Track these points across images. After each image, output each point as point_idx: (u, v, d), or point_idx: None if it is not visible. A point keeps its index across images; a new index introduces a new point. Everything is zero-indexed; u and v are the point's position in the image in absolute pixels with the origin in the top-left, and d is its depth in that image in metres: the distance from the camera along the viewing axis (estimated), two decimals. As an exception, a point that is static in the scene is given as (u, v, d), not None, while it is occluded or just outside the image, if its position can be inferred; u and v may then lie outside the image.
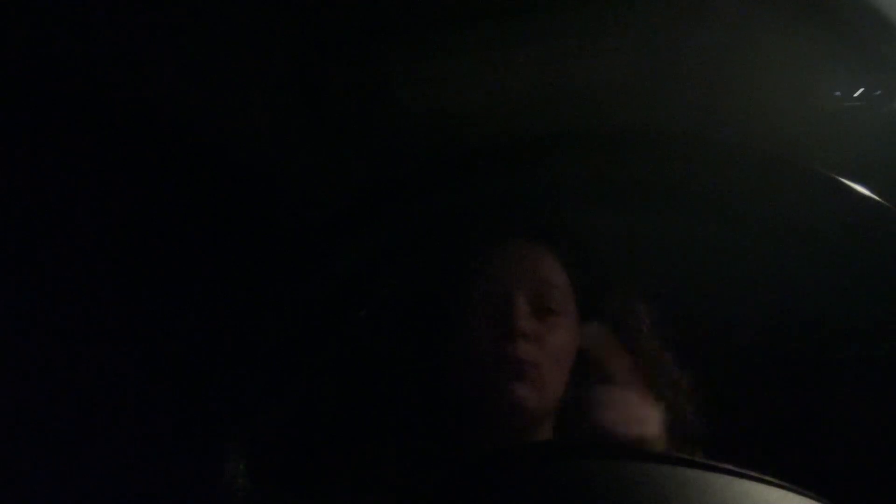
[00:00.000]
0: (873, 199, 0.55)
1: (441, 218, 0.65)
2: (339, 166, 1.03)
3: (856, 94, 0.89)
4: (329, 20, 0.87)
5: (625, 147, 0.63)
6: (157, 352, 0.89)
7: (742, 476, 0.48)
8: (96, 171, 0.90)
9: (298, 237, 0.90)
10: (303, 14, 0.86)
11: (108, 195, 0.91)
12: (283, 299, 0.67)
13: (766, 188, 0.59)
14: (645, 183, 0.62)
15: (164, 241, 0.95)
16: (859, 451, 0.96)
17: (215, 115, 0.96)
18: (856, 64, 0.86)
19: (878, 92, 0.88)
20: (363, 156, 1.03)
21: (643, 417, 0.84)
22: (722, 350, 1.03)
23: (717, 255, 0.90)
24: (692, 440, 0.84)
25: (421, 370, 0.87)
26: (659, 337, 0.91)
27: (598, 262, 0.92)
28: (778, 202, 0.59)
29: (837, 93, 0.90)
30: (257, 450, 0.75)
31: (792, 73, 0.90)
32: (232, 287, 0.91)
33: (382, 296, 0.79)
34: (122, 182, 0.92)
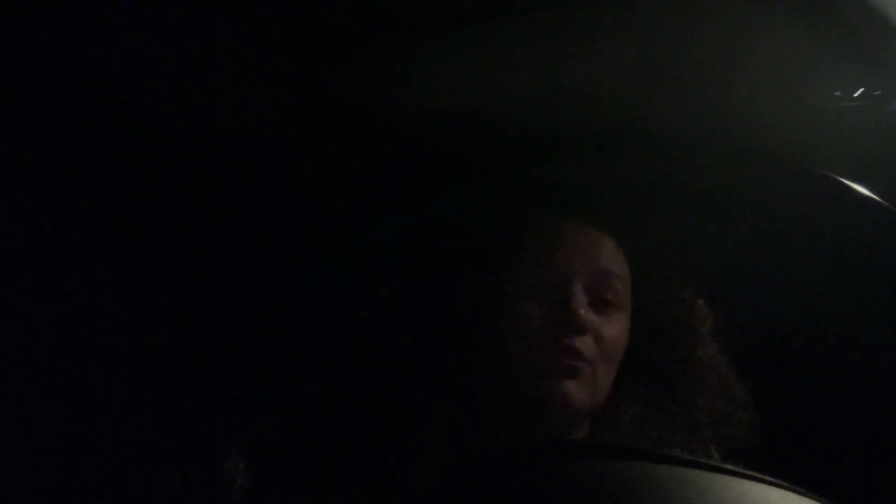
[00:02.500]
0: (873, 199, 0.56)
1: (457, 213, 0.64)
2: (339, 166, 1.03)
3: (856, 94, 0.89)
4: (329, 20, 0.87)
5: (624, 147, 0.63)
6: (156, 352, 0.89)
7: (742, 476, 0.48)
8: (96, 171, 0.90)
9: (298, 237, 0.90)
10: (303, 14, 0.86)
11: (107, 195, 0.91)
12: (283, 299, 0.67)
13: (766, 188, 0.59)
14: (644, 183, 0.62)
15: (163, 241, 0.95)
16: (859, 451, 0.96)
17: (215, 115, 0.96)
18: (856, 64, 0.86)
19: (878, 92, 0.88)
20: (363, 156, 1.03)
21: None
22: (719, 349, 1.03)
23: (717, 254, 0.90)
24: (742, 451, 0.79)
25: (439, 366, 0.80)
26: (717, 341, 0.85)
27: (657, 255, 0.85)
28: (778, 202, 0.59)
29: (837, 93, 0.90)
30: (257, 450, 0.75)
31: (792, 73, 0.90)
32: (232, 287, 0.91)
33: (382, 296, 0.78)
34: (122, 182, 0.92)
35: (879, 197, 0.54)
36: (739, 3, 0.85)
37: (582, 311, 0.76)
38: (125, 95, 0.90)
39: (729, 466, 0.48)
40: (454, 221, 0.73)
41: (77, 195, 0.89)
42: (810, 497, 0.48)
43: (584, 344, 0.76)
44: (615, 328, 0.79)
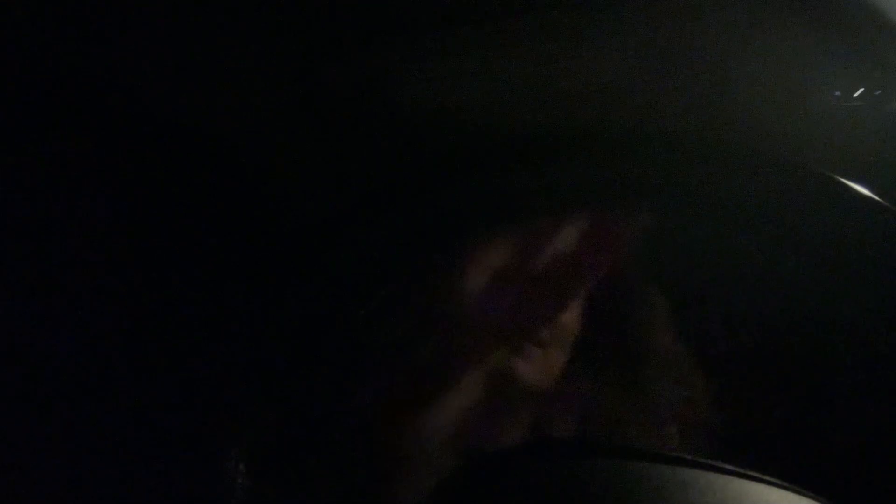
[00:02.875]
0: (873, 199, 0.56)
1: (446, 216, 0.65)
2: (338, 166, 1.03)
3: (856, 94, 0.88)
4: (329, 20, 0.87)
5: (623, 148, 0.63)
6: (156, 351, 0.89)
7: (742, 476, 0.48)
8: (93, 171, 0.90)
9: (298, 237, 0.90)
10: (303, 14, 0.86)
11: (106, 195, 0.91)
12: (283, 298, 0.67)
13: (766, 188, 0.59)
14: (641, 184, 0.62)
15: (162, 240, 0.95)
16: (859, 451, 0.96)
17: (214, 115, 0.96)
18: (856, 64, 0.86)
19: (878, 92, 0.88)
20: (363, 156, 1.03)
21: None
22: (721, 350, 1.03)
23: (716, 255, 0.90)
24: (708, 438, 0.81)
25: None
26: (674, 331, 0.87)
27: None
28: (777, 202, 0.59)
29: (837, 93, 0.90)
30: (257, 450, 0.75)
31: (792, 73, 0.90)
32: (231, 287, 0.91)
33: (383, 295, 0.79)
34: (121, 182, 0.92)
35: (879, 197, 0.54)
36: (739, 2, 0.85)
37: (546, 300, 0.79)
38: (124, 95, 0.90)
39: (729, 466, 0.48)
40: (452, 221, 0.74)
41: (75, 195, 0.89)
42: (810, 497, 0.49)
43: (550, 331, 0.79)
44: (572, 316, 0.81)
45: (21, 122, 0.84)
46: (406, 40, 0.90)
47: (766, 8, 0.85)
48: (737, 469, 0.47)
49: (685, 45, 0.90)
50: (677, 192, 0.60)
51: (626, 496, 0.46)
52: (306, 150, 1.04)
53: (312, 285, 0.66)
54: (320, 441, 0.83)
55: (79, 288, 0.87)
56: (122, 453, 0.82)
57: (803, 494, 0.47)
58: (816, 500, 0.48)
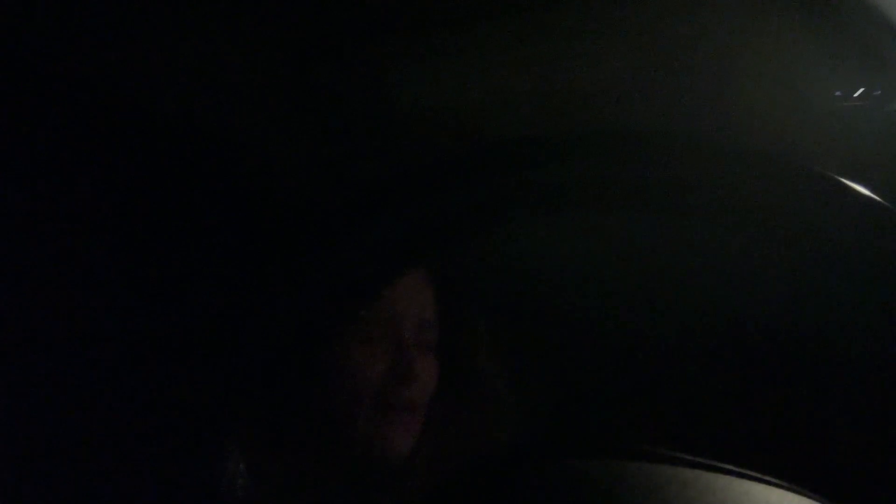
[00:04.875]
0: (873, 199, 0.55)
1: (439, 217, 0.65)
2: (338, 166, 1.03)
3: (856, 94, 0.88)
4: (329, 20, 0.87)
5: (623, 148, 0.63)
6: (156, 351, 0.89)
7: (742, 476, 0.48)
8: (94, 171, 0.90)
9: (297, 237, 0.90)
10: (303, 14, 0.86)
11: (106, 195, 0.91)
12: (283, 298, 0.67)
13: (766, 188, 0.59)
14: (643, 184, 0.62)
15: (162, 240, 0.95)
16: (859, 450, 0.96)
17: (215, 115, 0.96)
18: (856, 64, 0.86)
19: (878, 92, 0.88)
20: (363, 156, 1.03)
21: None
22: (721, 350, 1.03)
23: (716, 255, 0.90)
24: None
25: None
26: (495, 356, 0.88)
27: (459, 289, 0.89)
28: (777, 202, 0.59)
29: (837, 93, 0.89)
30: (257, 450, 0.75)
31: (792, 73, 0.90)
32: (232, 286, 0.91)
33: (383, 296, 0.78)
34: (122, 181, 0.92)
35: (879, 197, 0.54)
36: (739, 2, 0.85)
37: (415, 363, 0.79)
38: (124, 95, 0.90)
39: (730, 467, 0.48)
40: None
41: (76, 195, 0.89)
42: (810, 497, 0.48)
43: (416, 391, 0.80)
44: (434, 368, 0.82)
45: (22, 122, 0.84)
46: (406, 40, 0.90)
47: (766, 9, 0.85)
48: (737, 469, 0.47)
49: (685, 45, 0.90)
50: (677, 192, 0.59)
51: (627, 496, 0.46)
52: (305, 150, 1.04)
53: (312, 285, 0.65)
54: (319, 440, 0.83)
55: (79, 288, 0.87)
56: (123, 453, 0.82)
57: (803, 494, 0.47)
58: (816, 500, 0.48)
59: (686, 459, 0.48)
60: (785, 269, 0.82)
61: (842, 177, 0.55)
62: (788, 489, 0.48)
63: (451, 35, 0.90)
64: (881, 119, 0.89)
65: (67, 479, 0.81)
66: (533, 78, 0.95)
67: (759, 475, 0.48)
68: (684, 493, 0.46)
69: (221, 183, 0.98)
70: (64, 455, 0.81)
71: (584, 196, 0.64)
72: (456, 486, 0.52)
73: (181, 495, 0.59)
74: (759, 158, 0.59)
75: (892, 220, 0.54)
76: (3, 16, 0.79)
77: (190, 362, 0.85)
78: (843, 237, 0.56)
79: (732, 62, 0.91)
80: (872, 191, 0.55)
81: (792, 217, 0.57)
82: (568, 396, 1.00)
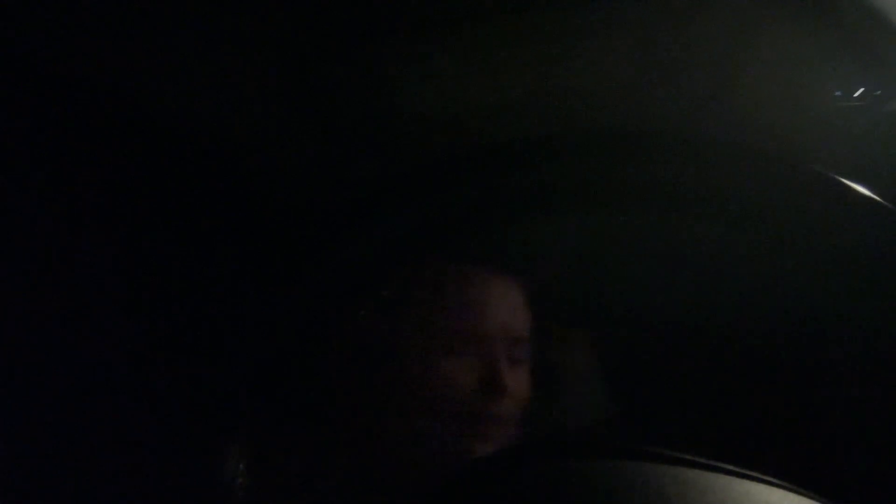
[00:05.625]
0: (873, 199, 0.55)
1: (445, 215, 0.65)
2: (338, 166, 1.03)
3: (856, 94, 0.88)
4: (329, 20, 0.87)
5: (622, 148, 0.63)
6: (156, 351, 0.89)
7: (742, 476, 0.48)
8: (94, 171, 0.90)
9: (297, 236, 0.90)
10: (302, 14, 0.86)
11: (106, 196, 0.91)
12: (283, 298, 0.67)
13: (766, 188, 0.59)
14: (643, 184, 0.62)
15: (162, 240, 0.95)
16: (859, 451, 0.96)
17: (214, 115, 0.96)
18: (856, 64, 0.86)
19: (878, 92, 0.88)
20: (363, 156, 1.03)
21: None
22: (722, 350, 1.03)
23: (717, 255, 0.90)
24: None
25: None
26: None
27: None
28: (777, 202, 0.59)
29: (837, 93, 0.90)
30: (257, 450, 0.75)
31: (792, 73, 0.90)
32: (231, 286, 0.91)
33: (384, 296, 0.79)
34: (122, 182, 0.92)
35: (879, 197, 0.54)
36: (739, 2, 0.85)
37: (506, 376, 0.78)
38: (123, 95, 0.90)
39: (730, 467, 0.48)
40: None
41: (76, 195, 0.89)
42: (811, 497, 0.48)
43: (505, 407, 0.78)
44: (526, 383, 0.82)
45: (20, 124, 0.84)
46: (406, 40, 0.90)
47: (766, 9, 0.85)
48: (737, 469, 0.47)
49: (686, 45, 0.90)
50: (677, 193, 0.59)
51: (627, 496, 0.46)
52: (305, 150, 1.04)
53: (312, 285, 0.66)
54: (320, 440, 0.83)
55: (79, 288, 0.87)
56: (123, 453, 0.82)
57: (803, 494, 0.47)
58: (816, 500, 0.48)
59: (686, 459, 0.48)
60: (785, 269, 0.82)
61: (842, 177, 0.55)
62: (788, 489, 0.48)
63: (450, 35, 0.90)
64: (881, 119, 0.89)
65: (67, 479, 0.81)
66: (533, 78, 0.95)
67: (759, 475, 0.48)
68: (684, 493, 0.46)
69: (221, 183, 0.98)
70: (64, 455, 0.81)
71: (584, 196, 0.64)
72: (456, 486, 0.52)
73: (181, 495, 0.59)
74: (759, 158, 0.59)
75: (892, 220, 0.54)
76: (3, 16, 0.79)
77: (190, 362, 0.85)
78: (843, 237, 0.56)
79: (732, 62, 0.91)
80: (872, 191, 0.55)
81: (792, 217, 0.57)
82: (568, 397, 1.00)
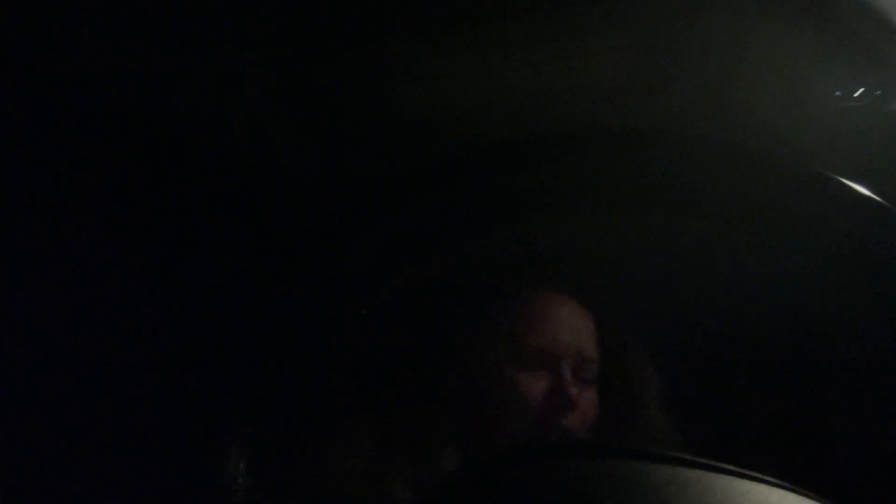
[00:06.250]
0: (873, 199, 0.55)
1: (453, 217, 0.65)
2: (338, 166, 1.03)
3: (856, 94, 0.88)
4: (329, 20, 0.87)
5: (622, 148, 0.63)
6: (156, 351, 0.89)
7: (742, 476, 0.48)
8: (94, 171, 0.90)
9: (297, 236, 0.90)
10: (302, 14, 0.86)
11: (107, 196, 0.91)
12: (283, 298, 0.67)
13: (766, 188, 0.59)
14: (643, 184, 0.62)
15: (163, 240, 0.95)
16: (859, 451, 0.96)
17: (214, 116, 0.96)
18: (856, 64, 0.86)
19: (878, 92, 0.88)
20: (363, 156, 1.03)
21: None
22: (722, 350, 1.03)
23: (717, 255, 0.90)
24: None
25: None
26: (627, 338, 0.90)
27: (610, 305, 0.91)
28: (778, 202, 0.59)
29: (837, 93, 0.90)
30: (257, 450, 0.74)
31: (792, 73, 0.90)
32: (232, 286, 0.91)
33: (385, 296, 0.78)
34: (122, 183, 0.92)
35: (879, 197, 0.54)
36: (739, 2, 0.85)
37: (573, 390, 0.81)
38: (124, 96, 0.90)
39: (730, 467, 0.48)
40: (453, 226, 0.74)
41: (76, 196, 0.89)
42: (811, 497, 0.48)
43: (573, 421, 0.81)
44: (594, 401, 0.84)
45: (21, 125, 0.84)
46: (406, 41, 0.90)
47: (766, 9, 0.85)
48: (737, 469, 0.47)
49: (685, 45, 0.90)
50: (677, 192, 0.59)
51: (627, 496, 0.46)
52: (305, 150, 1.04)
53: (313, 285, 0.66)
54: (320, 441, 0.83)
55: (79, 287, 0.87)
56: (123, 453, 0.82)
57: (803, 494, 0.47)
58: (816, 500, 0.48)
59: (686, 459, 0.48)
60: (785, 268, 0.82)
61: (842, 177, 0.55)
62: (788, 489, 0.48)
63: (450, 36, 0.89)
64: (881, 119, 0.89)
65: (67, 479, 0.81)
66: (531, 78, 0.95)
67: (759, 475, 0.48)
68: (684, 493, 0.46)
69: (221, 183, 0.99)
70: (64, 455, 0.81)
71: (583, 196, 0.64)
72: (456, 486, 0.52)
73: (181, 495, 0.59)
74: (760, 158, 0.59)
75: (892, 220, 0.54)
76: (3, 16, 0.79)
77: (190, 362, 0.85)
78: (843, 237, 0.56)
79: (733, 62, 0.91)
80: (872, 191, 0.55)
81: (792, 217, 0.57)
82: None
